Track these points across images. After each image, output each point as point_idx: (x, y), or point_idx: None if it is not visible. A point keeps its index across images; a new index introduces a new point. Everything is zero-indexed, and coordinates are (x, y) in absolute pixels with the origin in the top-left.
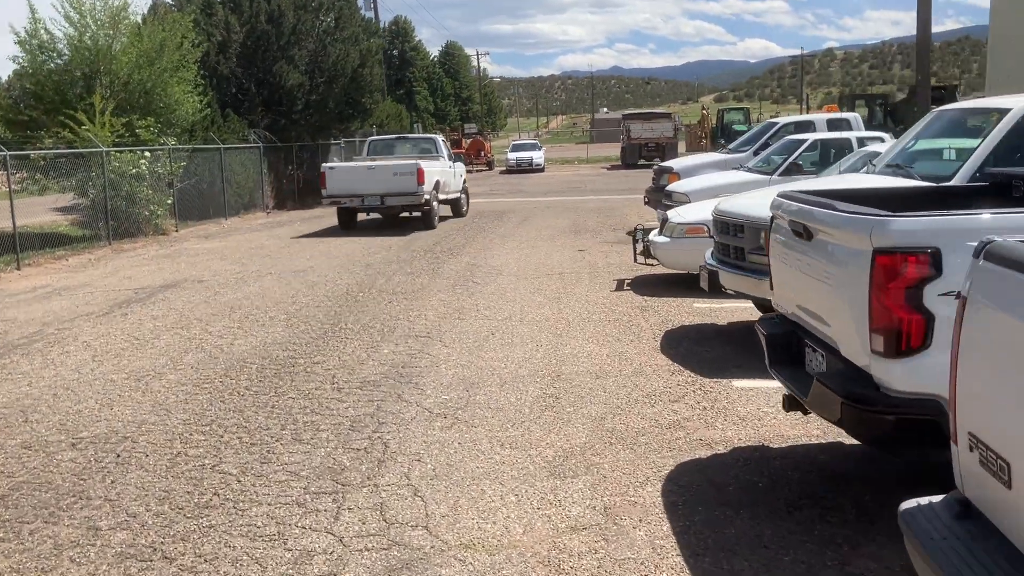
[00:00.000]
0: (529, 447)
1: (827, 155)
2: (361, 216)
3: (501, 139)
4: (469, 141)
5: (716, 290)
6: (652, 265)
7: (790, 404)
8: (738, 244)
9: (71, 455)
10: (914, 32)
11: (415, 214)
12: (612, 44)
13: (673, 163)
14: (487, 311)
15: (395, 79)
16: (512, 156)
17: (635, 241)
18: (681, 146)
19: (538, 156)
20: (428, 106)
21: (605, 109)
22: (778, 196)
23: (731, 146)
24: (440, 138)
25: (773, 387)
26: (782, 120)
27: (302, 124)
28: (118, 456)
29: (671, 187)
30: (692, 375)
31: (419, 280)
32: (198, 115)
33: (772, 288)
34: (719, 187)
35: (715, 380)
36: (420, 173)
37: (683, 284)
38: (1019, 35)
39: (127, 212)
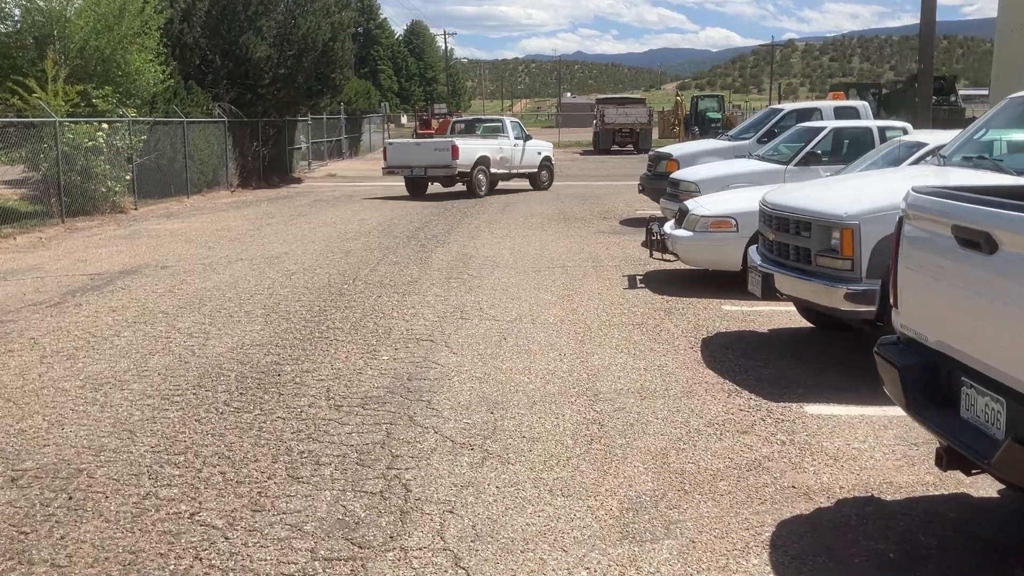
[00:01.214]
0: (585, 494)
1: (840, 145)
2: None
3: None
4: (440, 122)
5: (770, 296)
6: (669, 261)
7: (949, 462)
8: (801, 244)
9: (9, 495)
10: (872, 26)
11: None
12: (576, 29)
13: (671, 149)
14: (492, 310)
15: (360, 57)
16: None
17: (651, 235)
18: (654, 133)
19: None
20: (392, 85)
21: (569, 94)
22: (915, 191)
23: (731, 133)
24: (510, 120)
25: (854, 415)
26: (787, 107)
27: (269, 99)
28: (70, 498)
29: (677, 176)
30: (753, 397)
31: (408, 271)
32: (160, 86)
33: (896, 306)
34: (731, 176)
35: (782, 405)
36: (454, 149)
37: (703, 282)
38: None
39: (82, 188)
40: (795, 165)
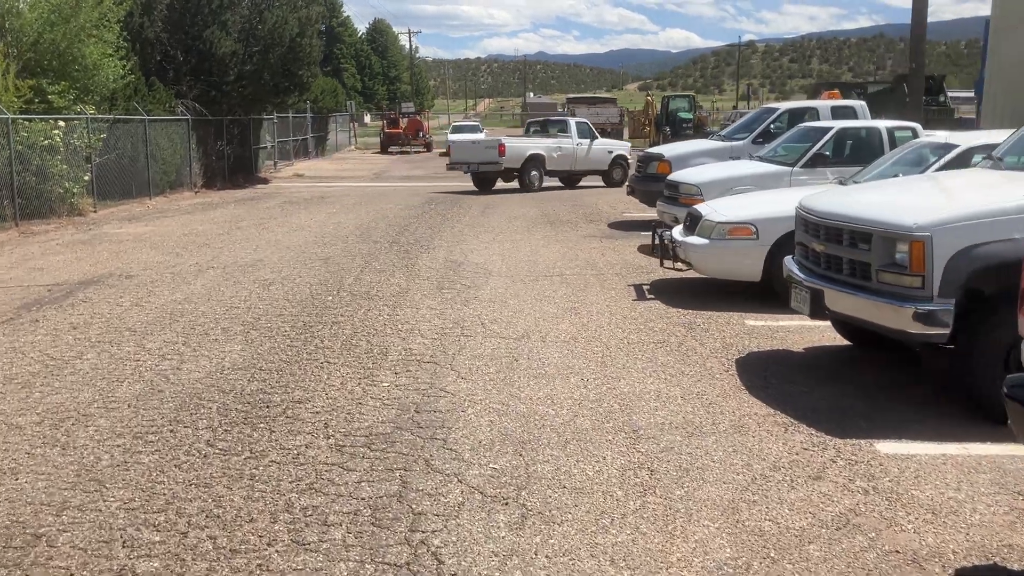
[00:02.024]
0: (655, 565)
1: (845, 146)
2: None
3: (430, 120)
4: (407, 121)
5: (820, 315)
6: (680, 270)
7: None
8: (859, 258)
9: None
10: (831, 28)
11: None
12: (537, 29)
13: (662, 150)
14: (495, 325)
15: (323, 54)
16: (452, 138)
17: (660, 242)
18: (624, 133)
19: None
20: (356, 84)
21: (531, 94)
22: None
23: (723, 133)
24: (574, 120)
25: (934, 454)
26: (782, 106)
27: (234, 96)
28: None
29: (676, 178)
30: (814, 433)
31: (395, 280)
32: (120, 82)
33: None
34: (734, 179)
35: (851, 443)
36: (501, 148)
37: (717, 293)
38: (1020, 25)
39: (37, 189)
40: (801, 167)
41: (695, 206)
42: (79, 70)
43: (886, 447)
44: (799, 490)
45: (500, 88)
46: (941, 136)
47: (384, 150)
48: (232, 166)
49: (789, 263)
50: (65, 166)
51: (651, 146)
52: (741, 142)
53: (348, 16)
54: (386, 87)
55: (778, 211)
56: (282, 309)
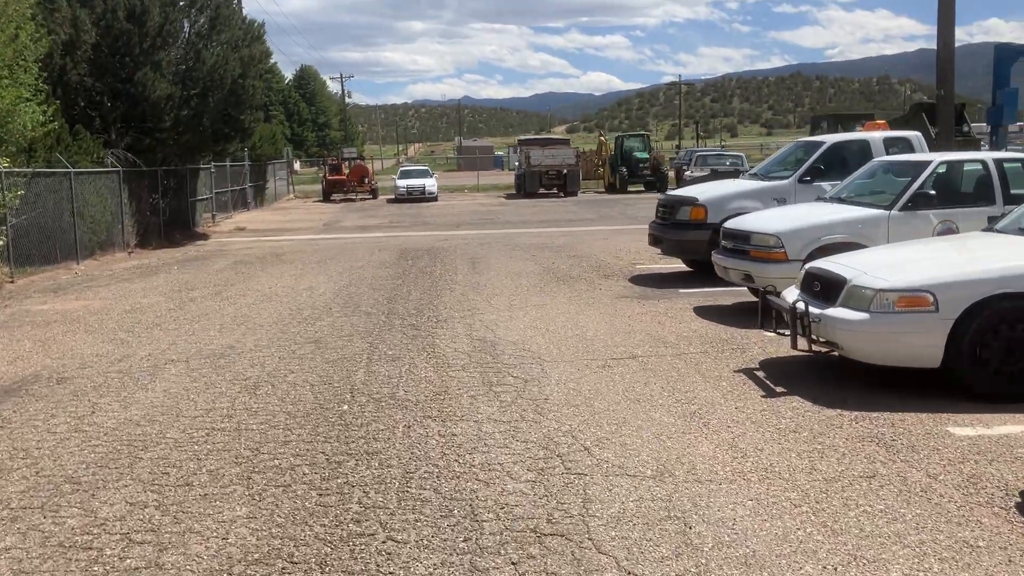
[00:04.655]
0: None
1: (944, 183)
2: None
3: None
4: (352, 167)
5: None
6: (825, 353)
7: None
8: None
9: None
10: (745, 68)
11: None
12: (461, 75)
13: (693, 192)
14: (606, 451)
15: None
16: (402, 184)
17: (793, 316)
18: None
19: (431, 184)
20: (285, 131)
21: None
22: None
23: (755, 170)
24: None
25: None
26: (827, 139)
27: (170, 144)
28: None
29: (741, 227)
30: None
31: (420, 372)
32: (40, 130)
33: None
34: (823, 226)
35: None
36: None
37: (859, 377)
38: None
39: None
40: (900, 210)
41: (830, 266)
42: None
43: None
44: None
45: (429, 133)
46: None
47: (327, 198)
48: (168, 221)
49: None
50: None
51: (609, 188)
52: (785, 181)
53: (276, 63)
54: (315, 133)
55: (960, 273)
56: (286, 430)
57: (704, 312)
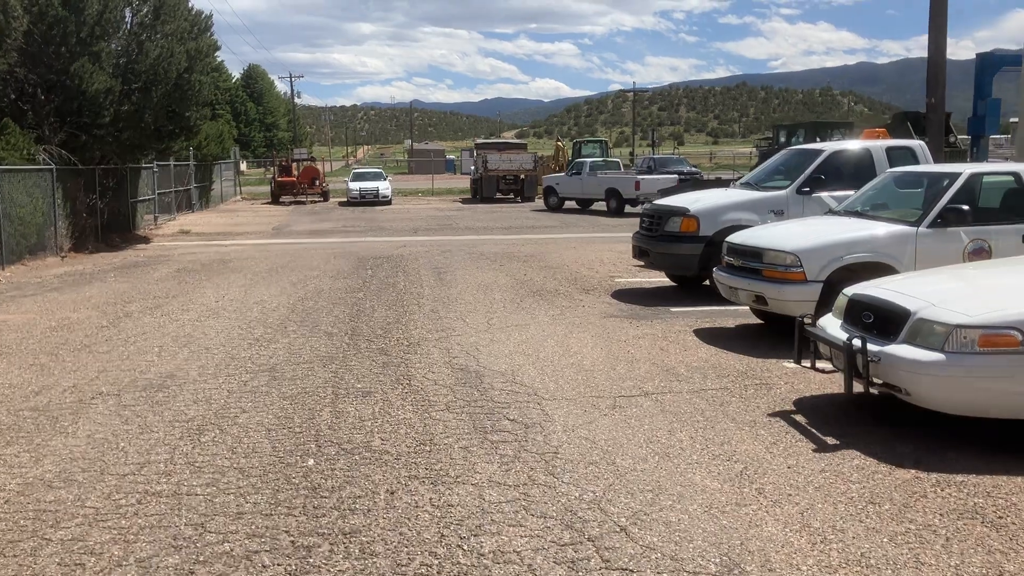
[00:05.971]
0: None
1: (974, 196)
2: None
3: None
4: (302, 168)
5: None
6: (887, 392)
7: None
8: None
9: None
10: (691, 78)
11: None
12: (410, 78)
13: (683, 201)
14: (649, 535)
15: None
16: (354, 186)
17: (850, 355)
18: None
19: (384, 187)
20: (232, 131)
21: (409, 141)
22: None
23: (746, 179)
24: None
25: None
26: (826, 147)
27: (109, 141)
28: None
29: (753, 242)
30: None
31: (396, 413)
32: None
33: None
34: (845, 244)
35: None
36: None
37: (918, 424)
38: None
39: None
40: (928, 227)
41: (883, 293)
42: None
43: None
44: None
45: (379, 135)
46: None
47: (276, 200)
48: (106, 223)
49: None
50: None
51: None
52: (782, 192)
53: (222, 62)
54: (263, 134)
55: None
56: (239, 496)
57: (707, 336)
